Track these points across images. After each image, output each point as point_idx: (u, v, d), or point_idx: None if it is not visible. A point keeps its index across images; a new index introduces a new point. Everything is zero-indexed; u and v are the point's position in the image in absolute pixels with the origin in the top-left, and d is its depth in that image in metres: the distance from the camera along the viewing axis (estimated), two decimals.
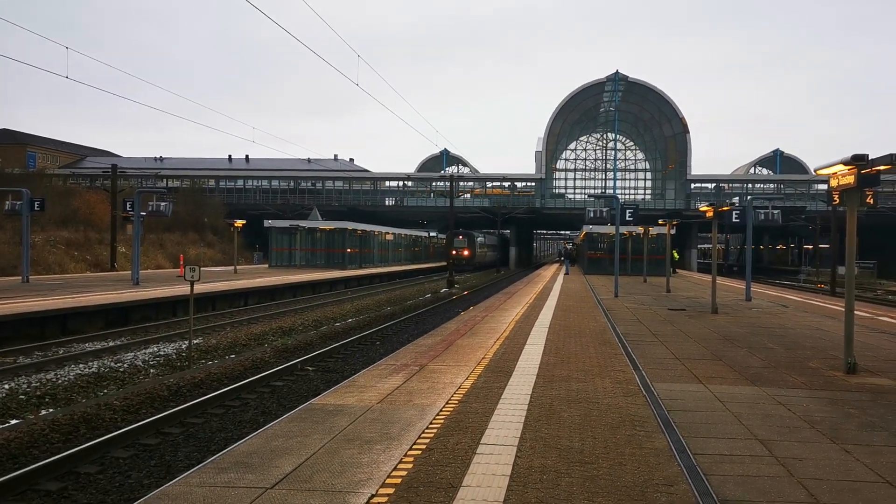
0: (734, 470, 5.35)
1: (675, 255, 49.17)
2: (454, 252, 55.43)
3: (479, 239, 65.75)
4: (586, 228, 44.83)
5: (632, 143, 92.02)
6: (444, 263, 61.54)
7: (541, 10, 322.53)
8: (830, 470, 5.41)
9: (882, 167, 8.64)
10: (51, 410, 10.14)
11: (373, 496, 4.66)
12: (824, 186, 63.72)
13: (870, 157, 8.77)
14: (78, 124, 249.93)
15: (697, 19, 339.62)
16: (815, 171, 10.75)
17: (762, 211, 26.94)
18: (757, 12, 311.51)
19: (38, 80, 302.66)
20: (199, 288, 21.36)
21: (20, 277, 26.77)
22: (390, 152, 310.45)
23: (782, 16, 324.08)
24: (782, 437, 6.31)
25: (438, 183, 76.26)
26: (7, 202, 27.94)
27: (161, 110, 60.73)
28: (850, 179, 8.91)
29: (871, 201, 9.56)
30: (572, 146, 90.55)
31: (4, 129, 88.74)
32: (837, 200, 9.83)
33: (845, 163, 8.92)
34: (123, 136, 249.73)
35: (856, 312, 10.37)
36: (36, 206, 27.08)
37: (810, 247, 70.72)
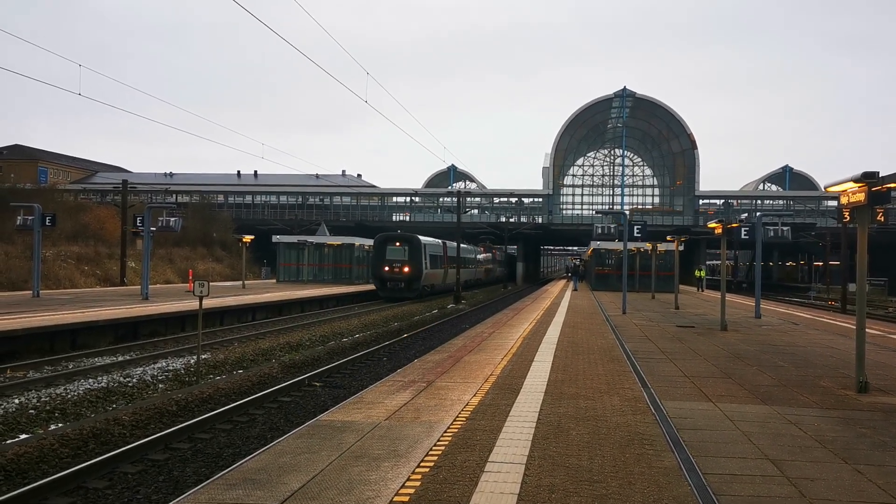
0: (745, 490, 5.31)
1: (703, 273, 48.74)
2: (386, 269, 38.74)
3: (432, 248, 42.74)
4: (594, 244, 44.80)
5: (639, 159, 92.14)
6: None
7: (547, 26, 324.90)
8: (842, 490, 5.35)
9: (893, 184, 8.62)
10: (60, 425, 10.16)
11: None
12: (834, 203, 63.53)
13: (880, 175, 8.76)
14: (89, 140, 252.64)
15: (705, 34, 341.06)
16: (825, 188, 10.74)
17: (771, 227, 26.86)
18: (764, 27, 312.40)
19: (51, 96, 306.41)
20: (208, 303, 21.44)
21: (31, 292, 26.93)
22: (398, 168, 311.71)
23: (790, 31, 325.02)
24: (793, 456, 6.26)
25: (446, 198, 76.51)
26: (19, 217, 28.19)
27: (171, 126, 61.33)
28: (861, 197, 8.89)
29: (882, 219, 9.50)
30: (580, 162, 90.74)
31: (17, 145, 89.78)
32: (848, 217, 9.81)
33: (856, 180, 8.91)
34: (134, 152, 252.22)
35: (867, 330, 10.29)
36: (47, 221, 27.29)
37: (820, 263, 70.37)
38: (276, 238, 47.31)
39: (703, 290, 44.87)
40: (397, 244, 39.62)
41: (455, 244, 45.82)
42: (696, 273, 49.02)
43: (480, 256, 62.83)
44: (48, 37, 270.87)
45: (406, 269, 38.67)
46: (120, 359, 16.29)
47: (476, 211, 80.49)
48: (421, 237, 41.28)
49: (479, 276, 59.33)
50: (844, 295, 37.20)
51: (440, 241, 45.81)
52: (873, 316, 29.40)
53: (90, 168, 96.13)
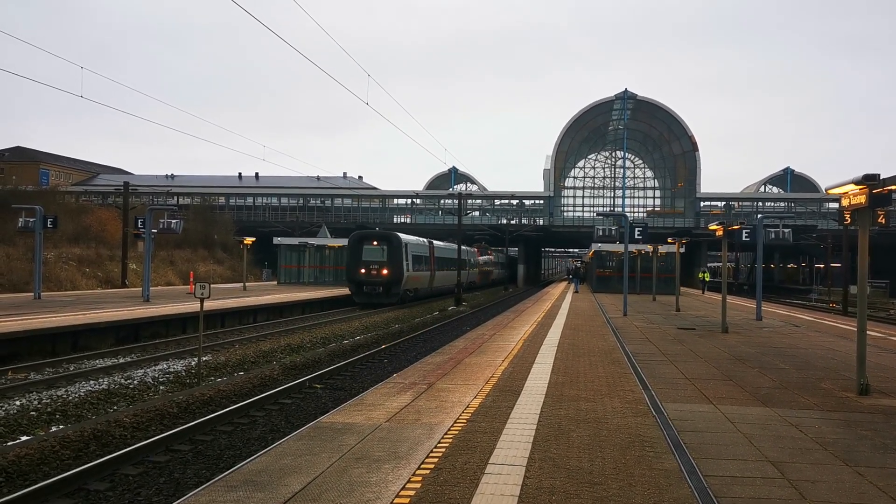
0: (745, 492, 5.30)
1: (707, 276, 48.65)
2: (362, 271, 34.38)
3: (415, 248, 38.29)
4: (595, 246, 44.80)
5: (640, 161, 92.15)
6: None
7: (548, 28, 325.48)
8: (843, 493, 5.35)
9: (894, 186, 8.62)
10: (61, 427, 10.17)
11: None
12: (835, 205, 63.49)
13: (881, 177, 8.76)
14: (91, 142, 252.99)
15: (705, 36, 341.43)
16: (826, 190, 10.74)
17: (773, 229, 26.85)
18: (764, 29, 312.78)
19: (53, 98, 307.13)
20: (209, 305, 21.45)
21: (32, 294, 26.95)
22: (399, 170, 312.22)
23: (791, 33, 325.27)
24: (794, 458, 6.26)
25: (447, 200, 76.52)
26: (20, 219, 28.23)
27: (173, 128, 61.28)
28: (862, 199, 8.89)
29: (883, 221, 9.49)
30: (581, 164, 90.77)
31: (18, 147, 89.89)
32: (849, 220, 9.80)
33: (857, 182, 8.91)
34: (135, 154, 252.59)
35: (868, 332, 10.29)
36: (49, 223, 27.33)
37: (822, 266, 70.35)
38: (277, 240, 47.33)
39: (704, 293, 44.79)
40: (374, 243, 35.15)
41: (442, 244, 43.61)
42: (700, 275, 48.82)
43: (476, 258, 58.31)
44: (49, 38, 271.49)
45: (384, 272, 34.16)
46: (121, 361, 16.30)
47: (477, 213, 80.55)
48: (402, 235, 36.87)
49: (472, 280, 54.06)
50: (846, 297, 37.19)
51: (426, 240, 41.78)
52: (874, 318, 29.37)
53: (91, 170, 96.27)
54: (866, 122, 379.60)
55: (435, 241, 43.53)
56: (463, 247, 52.27)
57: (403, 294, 36.14)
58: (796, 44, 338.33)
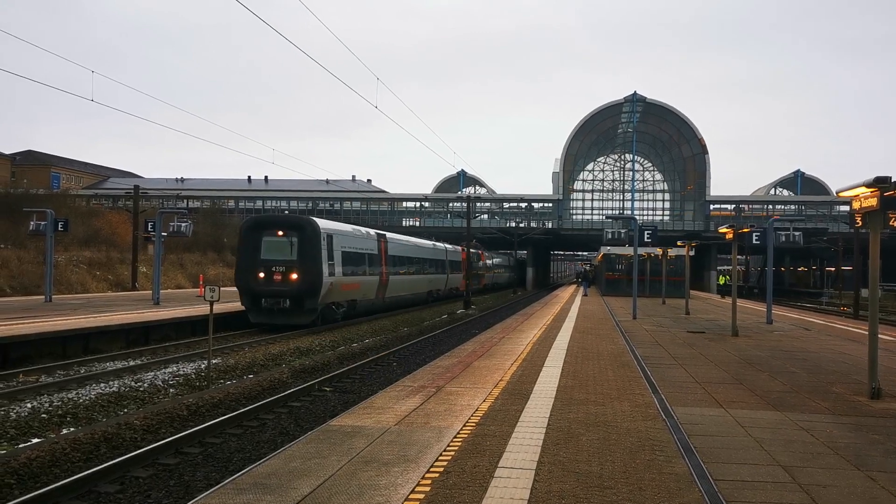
0: (756, 497, 5.27)
1: (724, 279, 48.52)
2: (261, 275, 22.86)
3: (346, 241, 26.29)
4: (604, 250, 44.67)
5: (650, 164, 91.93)
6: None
7: (557, 30, 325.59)
8: (855, 497, 5.31)
9: None
10: (72, 429, 10.23)
11: None
12: (846, 208, 63.08)
13: (893, 180, 8.70)
14: (101, 145, 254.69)
15: (714, 39, 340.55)
16: (837, 193, 10.69)
17: (783, 233, 26.68)
18: (774, 32, 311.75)
19: (63, 102, 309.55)
20: (219, 308, 21.53)
21: (43, 297, 27.13)
22: (408, 173, 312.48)
23: (798, 35, 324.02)
24: (805, 463, 6.22)
25: (455, 203, 76.55)
26: (31, 222, 28.41)
27: (182, 132, 62.05)
28: (873, 202, 8.83)
29: (895, 224, 9.42)
30: (590, 167, 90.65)
31: (29, 151, 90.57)
32: (860, 223, 9.74)
33: (868, 185, 8.85)
34: (145, 157, 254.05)
35: (879, 336, 10.21)
36: (59, 226, 27.51)
37: (833, 269, 69.92)
38: None
39: (724, 297, 44.46)
40: (279, 233, 23.43)
41: (402, 238, 35.98)
42: (721, 280, 48.44)
43: (460, 259, 44.90)
44: (57, 42, 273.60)
45: (293, 277, 22.82)
46: (131, 363, 16.38)
47: (486, 216, 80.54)
48: (323, 221, 25.03)
49: (454, 286, 40.40)
50: (857, 300, 36.92)
51: (372, 231, 30.46)
52: (886, 322, 29.12)
53: (102, 173, 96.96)
54: (876, 125, 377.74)
55: (389, 234, 33.21)
56: (440, 245, 43.34)
57: (325, 310, 24.57)
58: (805, 46, 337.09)
